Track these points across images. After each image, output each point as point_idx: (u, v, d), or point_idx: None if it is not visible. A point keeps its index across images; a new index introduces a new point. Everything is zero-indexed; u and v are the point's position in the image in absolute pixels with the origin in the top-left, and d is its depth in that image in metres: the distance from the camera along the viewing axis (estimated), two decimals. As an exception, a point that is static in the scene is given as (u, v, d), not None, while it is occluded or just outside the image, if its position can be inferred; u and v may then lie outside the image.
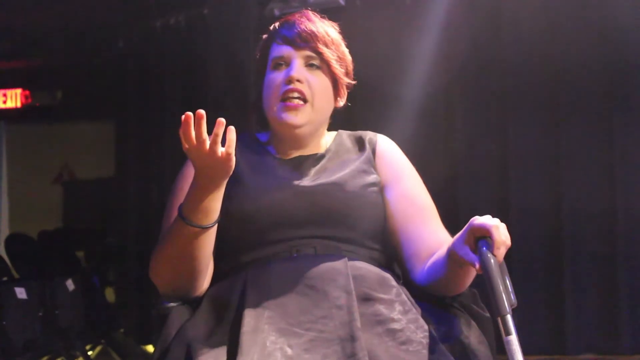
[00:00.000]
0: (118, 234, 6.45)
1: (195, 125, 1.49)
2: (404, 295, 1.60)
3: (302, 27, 1.79)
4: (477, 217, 1.50)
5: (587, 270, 4.65)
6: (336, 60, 1.80)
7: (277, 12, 4.51)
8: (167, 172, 5.26)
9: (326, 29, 1.82)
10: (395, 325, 1.49)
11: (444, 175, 4.57)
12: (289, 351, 1.42)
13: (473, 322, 1.65)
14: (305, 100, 1.76)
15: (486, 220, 1.48)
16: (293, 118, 1.75)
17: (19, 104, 8.22)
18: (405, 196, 1.78)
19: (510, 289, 1.41)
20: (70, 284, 4.58)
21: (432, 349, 1.46)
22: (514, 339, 1.36)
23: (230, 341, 1.49)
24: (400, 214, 1.76)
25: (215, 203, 1.58)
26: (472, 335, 1.59)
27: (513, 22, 4.71)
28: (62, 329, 4.38)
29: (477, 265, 1.45)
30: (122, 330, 5.98)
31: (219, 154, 1.50)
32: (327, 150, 1.84)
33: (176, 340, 1.53)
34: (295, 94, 1.76)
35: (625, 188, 4.56)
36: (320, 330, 1.46)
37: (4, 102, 8.20)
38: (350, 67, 1.86)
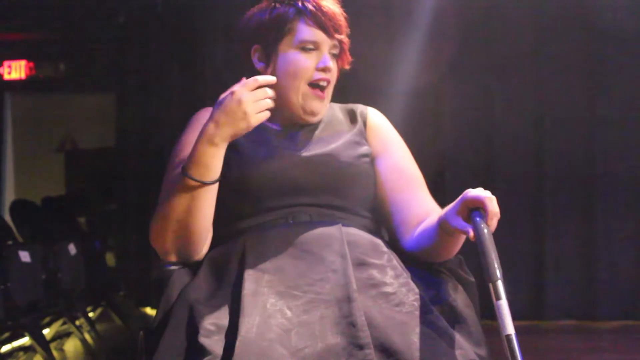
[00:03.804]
0: (118, 201, 6.46)
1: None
2: (395, 260, 1.60)
3: (331, 12, 1.72)
4: (470, 189, 1.51)
5: (567, 239, 4.71)
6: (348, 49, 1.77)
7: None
8: (165, 141, 5.26)
9: (340, 12, 1.76)
10: (388, 289, 1.50)
11: (433, 168, 4.60)
12: (288, 313, 1.43)
13: (460, 287, 1.66)
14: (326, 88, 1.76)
15: (480, 192, 1.50)
16: (318, 108, 1.75)
17: (23, 75, 8.19)
18: (395, 167, 1.79)
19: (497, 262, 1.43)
20: (72, 248, 4.57)
21: (423, 310, 1.47)
22: (504, 303, 1.40)
23: (231, 303, 1.49)
24: (390, 184, 1.77)
25: (217, 161, 1.58)
26: (459, 299, 1.61)
27: (501, 18, 4.74)
28: (64, 291, 4.37)
29: (471, 234, 1.47)
30: (122, 292, 6.01)
31: (261, 114, 1.58)
32: (320, 122, 1.82)
33: (178, 302, 1.53)
34: (325, 83, 1.74)
35: (606, 172, 4.70)
36: (317, 292, 1.46)
37: (9, 73, 8.17)
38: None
